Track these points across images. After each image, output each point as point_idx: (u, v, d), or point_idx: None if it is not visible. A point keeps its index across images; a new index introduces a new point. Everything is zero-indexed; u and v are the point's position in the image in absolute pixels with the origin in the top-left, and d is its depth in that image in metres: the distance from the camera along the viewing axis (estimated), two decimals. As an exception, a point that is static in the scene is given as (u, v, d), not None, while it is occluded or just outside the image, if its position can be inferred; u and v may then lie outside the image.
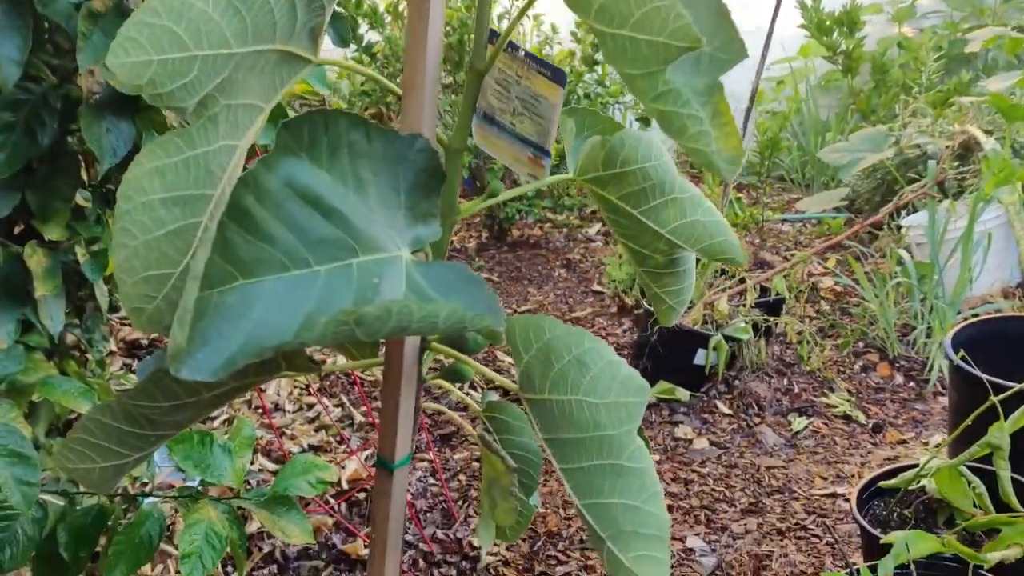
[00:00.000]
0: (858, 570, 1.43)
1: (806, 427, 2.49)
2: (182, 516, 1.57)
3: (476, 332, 0.70)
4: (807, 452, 2.37)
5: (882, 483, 1.68)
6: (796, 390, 2.69)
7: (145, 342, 3.07)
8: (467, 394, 2.51)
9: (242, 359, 0.62)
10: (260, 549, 2.03)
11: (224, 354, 0.62)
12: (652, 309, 2.72)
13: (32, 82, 1.33)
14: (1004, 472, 1.52)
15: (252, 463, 2.45)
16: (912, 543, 1.42)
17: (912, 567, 1.40)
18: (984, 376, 1.66)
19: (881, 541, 1.47)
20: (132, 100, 1.31)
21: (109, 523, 1.61)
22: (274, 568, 1.97)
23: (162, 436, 0.82)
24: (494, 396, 1.00)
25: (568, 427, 0.79)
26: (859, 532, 1.81)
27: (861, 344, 2.97)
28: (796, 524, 2.02)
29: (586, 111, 0.94)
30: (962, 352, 1.77)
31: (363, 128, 0.73)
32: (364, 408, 2.86)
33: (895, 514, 1.67)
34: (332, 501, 2.22)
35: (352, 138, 0.72)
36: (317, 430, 2.71)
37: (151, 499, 1.63)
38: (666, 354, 2.64)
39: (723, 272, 2.99)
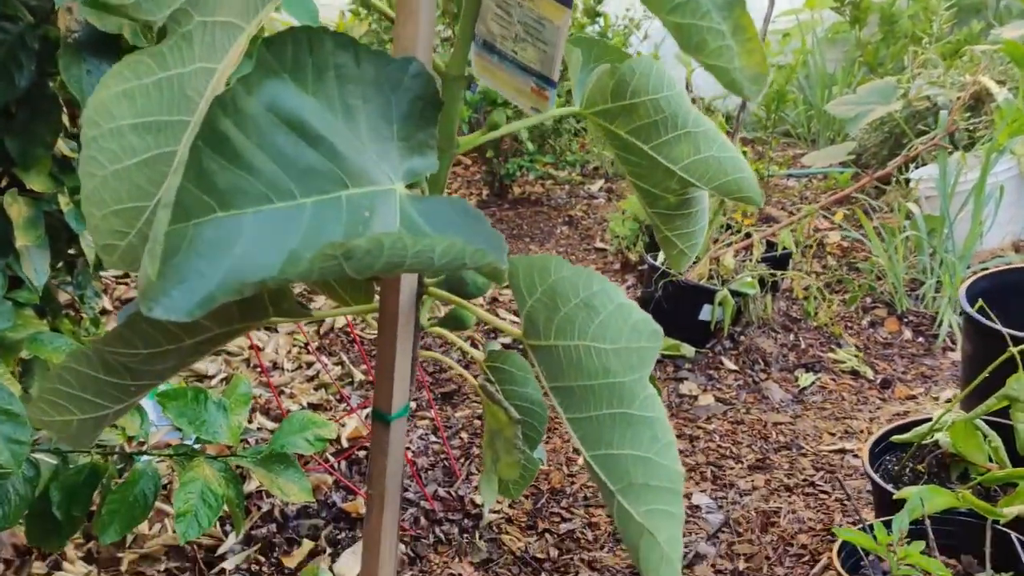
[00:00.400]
0: (871, 525, 1.39)
1: (813, 383, 2.45)
2: (177, 475, 1.53)
3: (477, 270, 0.65)
4: (814, 408, 2.33)
5: (894, 438, 1.64)
6: (803, 346, 2.64)
7: (141, 301, 3.01)
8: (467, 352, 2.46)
9: (221, 296, 0.56)
10: (259, 508, 2.00)
11: (201, 292, 0.56)
12: (656, 265, 2.67)
13: (8, 21, 1.27)
14: (1022, 425, 1.47)
15: (250, 422, 2.42)
16: (927, 498, 1.38)
17: (927, 522, 1.36)
18: (1003, 328, 1.61)
19: (894, 496, 1.43)
20: (113, 40, 1.24)
21: (103, 482, 1.57)
22: (273, 527, 1.94)
23: (143, 386, 0.77)
24: (496, 346, 0.95)
25: (575, 375, 0.74)
26: (870, 488, 1.77)
27: (869, 299, 2.92)
28: (804, 480, 1.98)
29: (593, 40, 0.88)
30: (980, 303, 1.72)
31: (352, 50, 0.67)
32: (364, 366, 2.82)
33: (907, 469, 1.63)
34: (332, 459, 2.18)
35: (340, 60, 0.66)
36: (317, 388, 2.67)
37: (146, 457, 1.59)
38: (671, 310, 2.59)
39: (728, 227, 2.93)
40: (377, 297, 0.83)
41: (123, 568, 1.84)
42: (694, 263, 2.69)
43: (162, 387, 2.34)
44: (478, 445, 2.17)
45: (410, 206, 0.68)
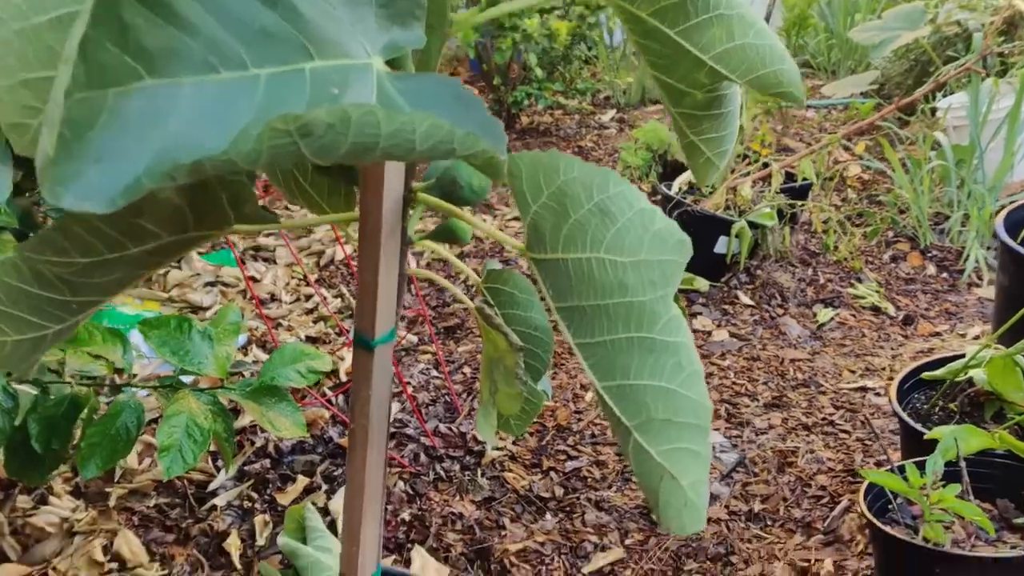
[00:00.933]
0: (901, 466, 1.29)
1: (832, 319, 2.34)
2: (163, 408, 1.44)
3: (468, 159, 0.53)
4: (833, 345, 2.22)
5: (925, 374, 1.54)
6: (821, 280, 2.53)
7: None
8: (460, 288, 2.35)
9: (150, 181, 0.45)
10: (252, 443, 1.91)
11: (125, 175, 0.45)
12: (670, 195, 2.55)
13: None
14: (1065, 362, 1.37)
15: (246, 354, 2.33)
16: (961, 438, 1.28)
17: (962, 464, 1.27)
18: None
19: (925, 437, 1.33)
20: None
21: (84, 415, 1.49)
22: (267, 463, 1.86)
23: (86, 303, 0.67)
24: (496, 265, 0.84)
25: (587, 292, 0.63)
26: (893, 428, 1.67)
27: (891, 233, 2.80)
28: (823, 419, 1.89)
29: (611, -95, 0.75)
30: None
31: None
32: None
33: (938, 408, 1.52)
34: (329, 393, 2.10)
35: (303, -99, 0.54)
36: (315, 321, 2.58)
37: (129, 389, 1.50)
38: (684, 242, 2.47)
39: (746, 156, 2.79)
40: (358, 205, 0.72)
41: (111, 503, 1.77)
42: (710, 192, 2.56)
43: (146, 315, 2.24)
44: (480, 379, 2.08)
45: (390, 84, 0.56)
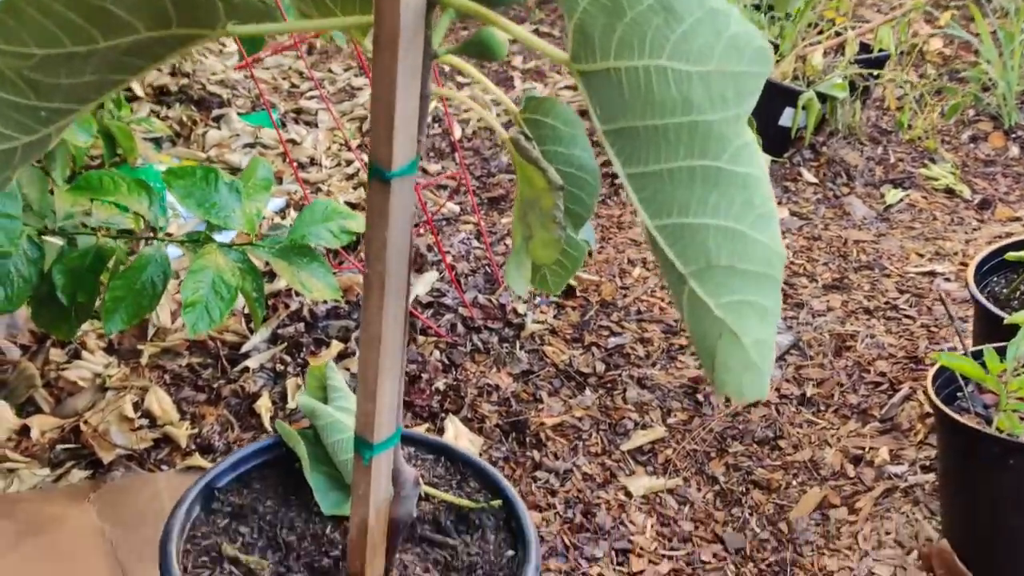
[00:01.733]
0: (976, 351, 1.18)
1: (901, 200, 2.19)
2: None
3: None
4: (901, 227, 2.08)
5: (1009, 255, 1.40)
6: (892, 160, 2.36)
7: (174, 88, 2.83)
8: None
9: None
10: (287, 306, 1.86)
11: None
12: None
13: None
14: None
15: (284, 218, 2.26)
16: (1046, 324, 1.16)
17: (1046, 351, 1.15)
18: None
19: (1005, 321, 1.22)
20: None
21: (109, 268, 1.43)
22: (301, 326, 1.80)
23: (56, 111, 0.58)
24: (537, 92, 0.73)
25: (642, 110, 0.52)
26: (968, 315, 1.55)
27: (972, 112, 2.59)
28: (886, 303, 1.77)
29: None
30: None
31: None
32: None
33: (1019, 292, 1.40)
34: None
35: None
36: (356, 187, 2.49)
37: (156, 242, 1.43)
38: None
39: (817, 24, 2.58)
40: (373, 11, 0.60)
41: (143, 361, 1.74)
42: (778, 60, 2.38)
43: (170, 164, 2.16)
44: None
45: None
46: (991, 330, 1.30)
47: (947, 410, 1.12)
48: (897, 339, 1.66)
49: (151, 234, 1.50)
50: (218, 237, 1.40)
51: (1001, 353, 1.14)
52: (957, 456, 1.15)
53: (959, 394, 1.20)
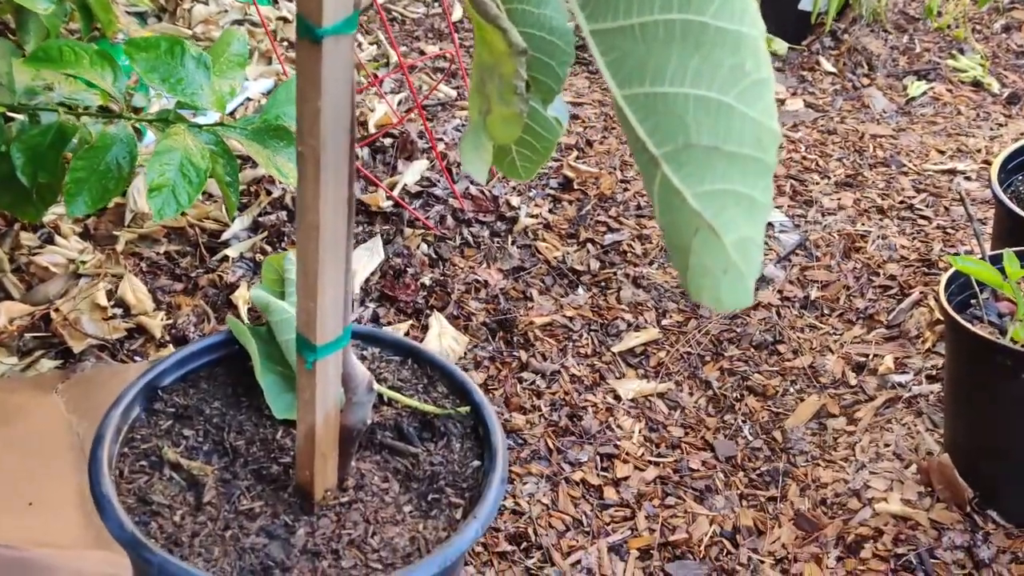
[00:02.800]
0: (995, 256, 1.09)
1: (924, 93, 2.06)
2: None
3: None
4: (923, 121, 1.96)
5: (1038, 152, 1.30)
6: (918, 49, 2.21)
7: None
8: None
9: None
10: (269, 193, 1.77)
11: None
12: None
13: None
14: None
15: (270, 101, 2.14)
16: (1074, 228, 1.06)
17: (1072, 257, 1.06)
18: None
19: (1030, 223, 1.12)
20: None
21: (72, 147, 1.34)
22: (283, 214, 1.72)
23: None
24: (504, -58, 0.62)
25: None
26: (989, 217, 1.45)
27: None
28: (901, 203, 1.67)
29: None
30: None
31: None
32: (403, 48, 2.48)
33: (1045, 193, 1.30)
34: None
35: None
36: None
37: (120, 120, 1.34)
38: (764, -4, 2.16)
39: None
40: None
41: (119, 248, 1.66)
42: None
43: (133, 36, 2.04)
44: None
45: None
46: (1013, 233, 1.20)
47: (958, 318, 1.04)
48: (910, 241, 1.56)
49: (115, 111, 1.40)
50: (198, 120, 1.31)
51: (1022, 258, 1.05)
52: (966, 366, 1.07)
53: (972, 301, 1.12)
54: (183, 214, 1.79)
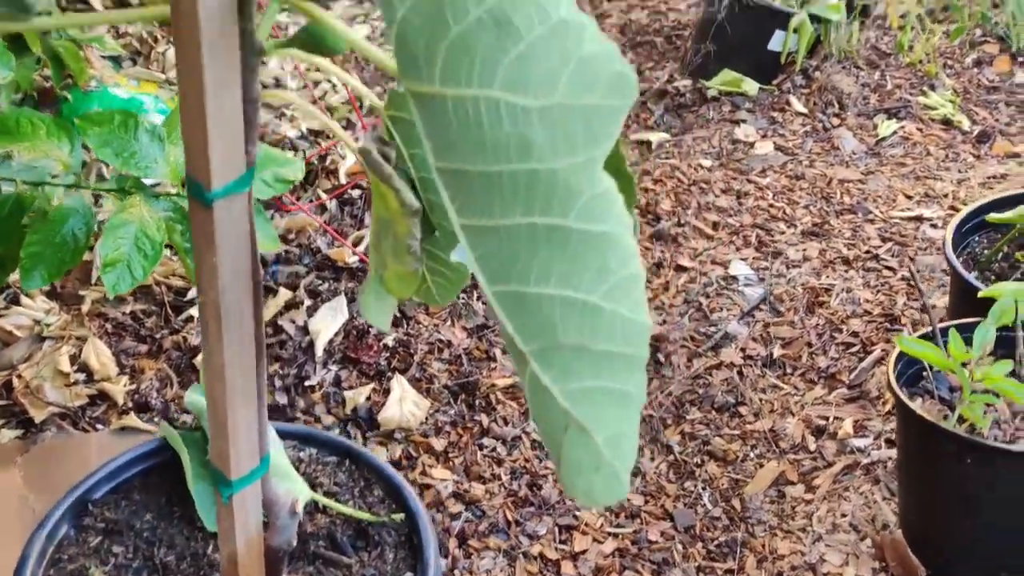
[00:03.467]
0: (945, 330, 1.09)
1: (895, 132, 2.05)
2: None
3: None
4: (892, 163, 1.95)
5: (990, 216, 1.29)
6: (889, 86, 2.21)
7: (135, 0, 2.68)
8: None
9: None
10: (235, 249, 1.76)
11: None
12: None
13: None
14: None
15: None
16: (1023, 300, 1.06)
17: (1020, 332, 1.06)
18: None
19: (980, 295, 1.12)
20: None
21: (30, 217, 1.33)
22: (249, 272, 1.71)
23: None
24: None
25: (473, 151, 0.42)
26: (947, 269, 1.45)
27: (978, 32, 2.43)
28: (867, 252, 1.66)
29: None
30: None
31: None
32: (379, 88, 2.49)
33: (1001, 256, 1.29)
34: (324, 196, 1.92)
35: None
36: (326, 110, 2.37)
37: (77, 191, 1.33)
38: (735, 35, 2.15)
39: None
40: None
41: (85, 308, 1.66)
42: (769, -22, 2.21)
43: (142, 99, 2.04)
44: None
45: None
46: (969, 299, 1.20)
47: (906, 399, 1.03)
48: (874, 294, 1.56)
49: (72, 181, 1.40)
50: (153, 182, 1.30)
51: (968, 331, 1.05)
52: (915, 444, 1.07)
53: (925, 373, 1.11)
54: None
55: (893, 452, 1.26)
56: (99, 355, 1.58)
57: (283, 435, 0.87)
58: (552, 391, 0.43)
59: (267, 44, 0.52)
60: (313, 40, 0.52)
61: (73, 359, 1.56)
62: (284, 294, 1.68)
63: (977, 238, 1.33)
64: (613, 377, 0.42)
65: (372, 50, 0.48)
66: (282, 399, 1.49)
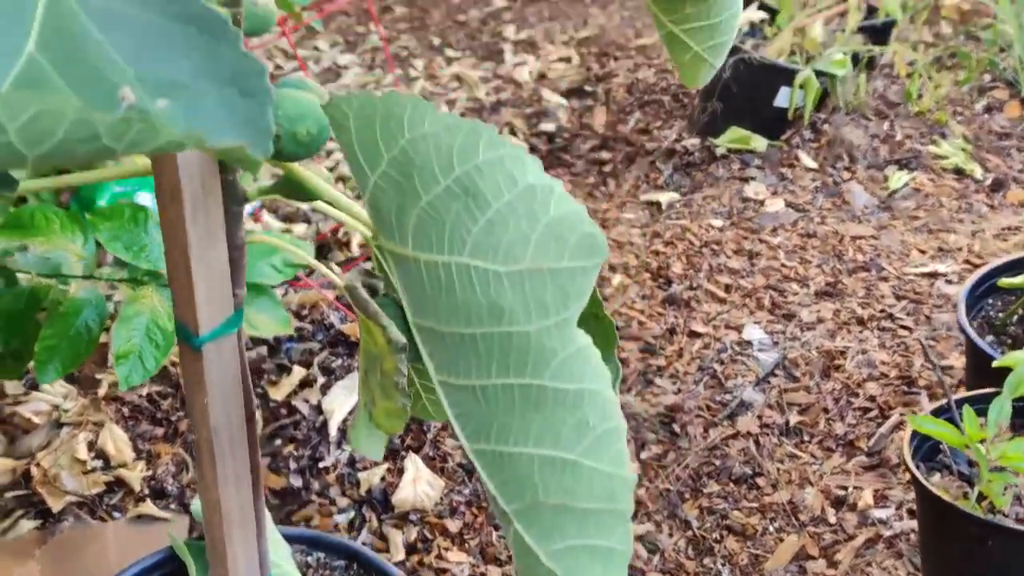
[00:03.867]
0: (961, 401, 1.07)
1: (906, 184, 2.05)
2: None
3: (218, 152, 0.32)
4: (904, 217, 1.94)
5: (1002, 281, 1.28)
6: (899, 137, 2.21)
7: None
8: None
9: None
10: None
11: None
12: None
13: None
14: None
15: (256, 221, 2.17)
16: (1040, 370, 1.04)
17: (1037, 406, 1.04)
18: None
19: (994, 364, 1.10)
20: None
21: (45, 309, 1.35)
22: (263, 350, 1.73)
23: None
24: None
25: (446, 314, 0.42)
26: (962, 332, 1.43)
27: (988, 78, 2.42)
28: (881, 312, 1.65)
29: None
30: None
31: None
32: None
33: (1015, 319, 1.28)
34: (337, 270, 1.93)
35: None
36: (337, 181, 2.39)
37: (90, 282, 1.35)
38: (741, 93, 2.17)
39: (820, -12, 2.41)
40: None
41: (101, 392, 1.67)
42: (774, 34, 2.22)
43: (101, 204, 2.08)
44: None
45: (80, 11, 0.33)
46: (985, 363, 1.18)
47: (923, 479, 1.01)
48: (891, 355, 1.54)
49: (86, 273, 1.42)
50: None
51: (983, 403, 1.03)
52: (935, 525, 1.05)
53: (942, 446, 1.09)
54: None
55: (915, 523, 1.23)
56: (115, 441, 1.59)
57: (290, 539, 0.87)
58: (536, 552, 0.42)
59: (249, 192, 0.53)
60: (292, 188, 0.52)
61: (90, 445, 1.57)
62: (298, 372, 1.69)
63: (991, 300, 1.32)
64: (597, 534, 0.42)
65: (350, 204, 0.49)
66: (296, 481, 1.48)
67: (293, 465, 1.50)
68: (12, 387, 1.69)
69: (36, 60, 0.32)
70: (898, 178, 2.07)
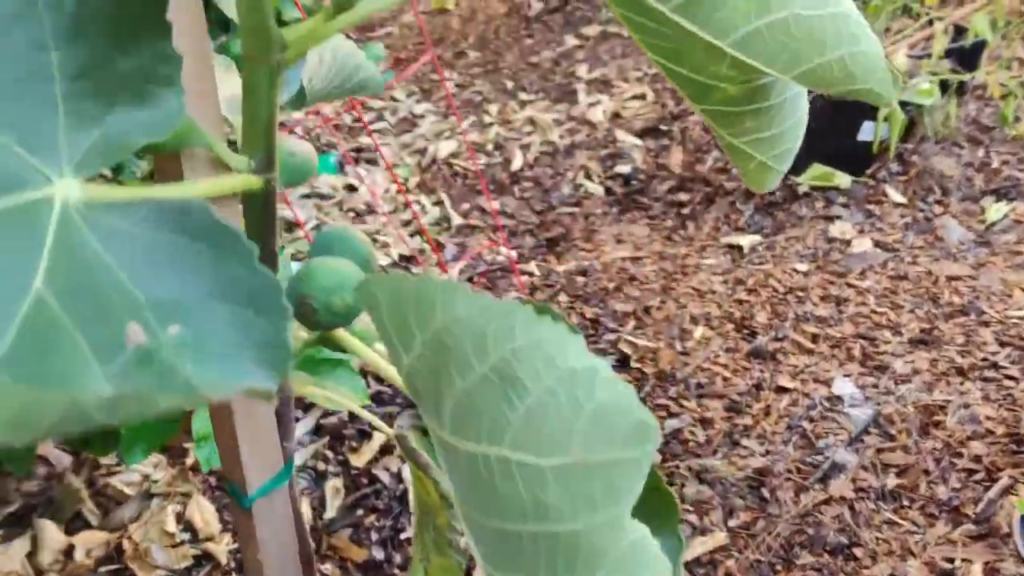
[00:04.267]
0: (1074, 480, 0.99)
1: (1005, 216, 1.94)
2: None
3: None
4: (1004, 252, 1.84)
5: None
6: (994, 164, 2.10)
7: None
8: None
9: None
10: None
11: None
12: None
13: None
14: None
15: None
16: None
17: None
18: None
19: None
20: None
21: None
22: (344, 415, 1.73)
23: None
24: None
25: (488, 508, 0.39)
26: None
27: (1090, 95, 2.28)
28: (984, 360, 1.55)
29: None
30: None
31: None
32: (466, 206, 2.52)
33: None
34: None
35: None
36: (412, 235, 2.41)
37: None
38: (822, 128, 2.09)
39: (907, 10, 2.32)
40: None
41: (189, 462, 1.70)
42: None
43: None
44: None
45: (89, 230, 0.32)
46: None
47: (1037, 568, 0.94)
48: (996, 409, 1.45)
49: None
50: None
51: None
52: (1054, 615, 0.97)
53: (1058, 525, 1.01)
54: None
55: (1031, 603, 1.15)
56: (203, 512, 1.61)
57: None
58: None
59: (295, 343, 0.52)
60: (332, 346, 0.51)
61: (179, 517, 1.60)
62: (378, 438, 1.68)
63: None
64: None
65: (387, 367, 0.47)
66: (379, 554, 1.47)
67: (375, 536, 1.50)
68: (106, 458, 1.73)
69: (43, 299, 0.31)
70: (996, 209, 1.96)
